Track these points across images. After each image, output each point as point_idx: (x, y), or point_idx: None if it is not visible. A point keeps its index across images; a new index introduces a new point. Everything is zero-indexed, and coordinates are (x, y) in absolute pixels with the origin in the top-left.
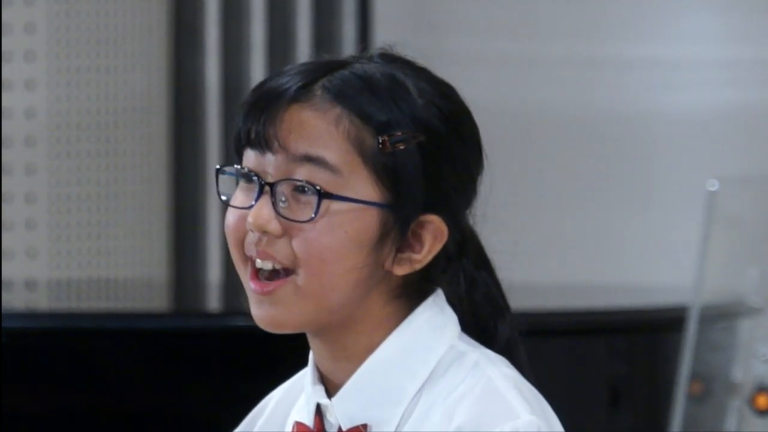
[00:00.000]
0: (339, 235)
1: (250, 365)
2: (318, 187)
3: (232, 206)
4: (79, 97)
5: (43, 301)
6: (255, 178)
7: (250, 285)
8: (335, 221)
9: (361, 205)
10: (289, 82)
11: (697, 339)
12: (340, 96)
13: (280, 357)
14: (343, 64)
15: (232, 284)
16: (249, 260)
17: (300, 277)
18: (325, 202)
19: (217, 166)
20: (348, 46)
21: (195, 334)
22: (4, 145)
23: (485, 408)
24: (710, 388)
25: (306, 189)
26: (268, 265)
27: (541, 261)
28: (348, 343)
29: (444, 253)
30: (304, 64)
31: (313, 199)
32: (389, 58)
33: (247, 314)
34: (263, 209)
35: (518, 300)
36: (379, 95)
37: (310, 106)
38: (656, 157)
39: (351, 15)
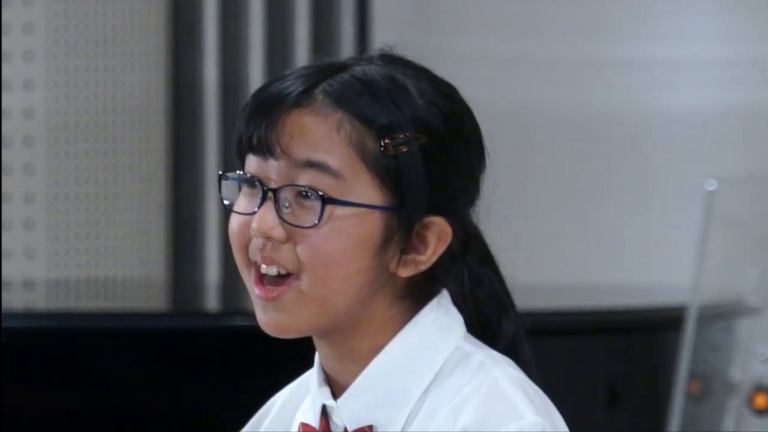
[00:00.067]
0: (343, 239)
1: (249, 365)
2: (321, 193)
3: (236, 212)
4: (77, 97)
5: (41, 301)
6: (258, 183)
7: (254, 290)
8: (339, 226)
9: (364, 209)
10: (290, 86)
11: (696, 339)
12: (341, 100)
13: (279, 357)
14: (344, 66)
15: (230, 284)
16: (253, 265)
17: (304, 282)
18: (328, 208)
19: (220, 172)
20: (347, 46)
21: (193, 334)
22: (3, 144)
23: (490, 409)
24: (709, 387)
25: (309, 194)
26: (272, 271)
27: (540, 261)
28: (353, 345)
29: (448, 253)
30: (304, 68)
31: (317, 204)
32: (389, 59)
33: (246, 314)
34: (267, 215)
35: (517, 299)
36: (380, 98)
37: (312, 111)
38: (656, 157)
39: (350, 14)
